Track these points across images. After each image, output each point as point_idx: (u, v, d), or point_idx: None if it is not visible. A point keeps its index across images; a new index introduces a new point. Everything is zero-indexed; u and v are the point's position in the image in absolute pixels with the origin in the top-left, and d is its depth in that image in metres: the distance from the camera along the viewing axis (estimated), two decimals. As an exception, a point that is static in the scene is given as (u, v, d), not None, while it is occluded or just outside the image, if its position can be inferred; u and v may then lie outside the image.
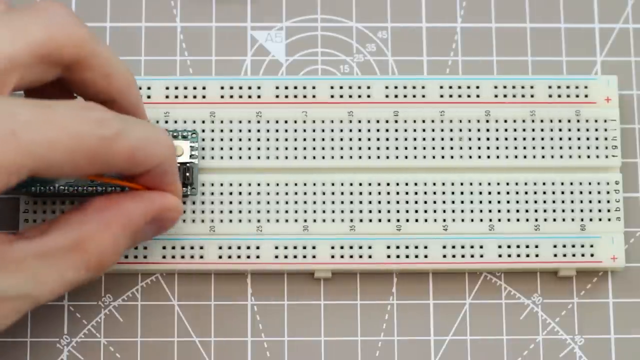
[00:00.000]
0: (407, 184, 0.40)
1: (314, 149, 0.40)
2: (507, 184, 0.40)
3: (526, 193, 0.40)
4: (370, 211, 0.40)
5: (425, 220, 0.40)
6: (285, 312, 0.40)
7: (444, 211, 0.40)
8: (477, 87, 0.41)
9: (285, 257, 0.39)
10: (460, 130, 0.40)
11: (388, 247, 0.40)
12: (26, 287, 0.32)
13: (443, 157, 0.40)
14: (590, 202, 0.40)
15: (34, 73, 0.33)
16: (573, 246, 0.40)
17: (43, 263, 0.32)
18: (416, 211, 0.40)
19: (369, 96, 0.41)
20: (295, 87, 0.40)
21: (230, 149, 0.40)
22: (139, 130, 0.33)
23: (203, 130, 0.40)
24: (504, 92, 0.41)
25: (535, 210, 0.40)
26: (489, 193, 0.40)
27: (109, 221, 0.34)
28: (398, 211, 0.40)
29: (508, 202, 0.40)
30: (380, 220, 0.40)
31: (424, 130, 0.40)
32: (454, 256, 0.40)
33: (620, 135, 0.41)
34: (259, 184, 0.40)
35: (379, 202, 0.40)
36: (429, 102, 0.41)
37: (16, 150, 0.30)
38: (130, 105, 0.35)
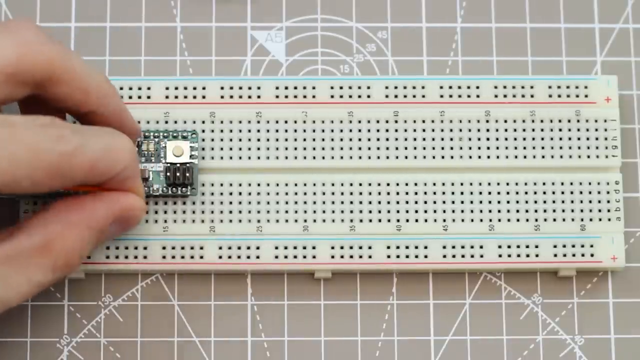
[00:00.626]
0: (407, 184, 0.40)
1: (314, 149, 0.40)
2: (507, 184, 0.40)
3: (526, 193, 0.40)
4: (370, 211, 0.40)
5: (425, 220, 0.40)
6: (285, 312, 0.40)
7: (444, 211, 0.40)
8: (477, 87, 0.41)
9: (285, 257, 0.39)
10: (460, 130, 0.40)
11: (388, 247, 0.40)
12: None
13: (443, 157, 0.40)
14: (590, 202, 0.40)
15: (3, 91, 0.33)
16: (573, 246, 0.40)
17: (10, 267, 0.32)
18: (416, 211, 0.40)
19: (369, 96, 0.41)
20: (295, 87, 0.40)
21: (230, 149, 0.40)
22: (98, 142, 0.33)
23: (203, 130, 0.40)
24: (504, 92, 0.41)
25: (535, 210, 0.40)
26: (489, 193, 0.40)
27: (73, 221, 0.34)
28: (398, 211, 0.40)
29: (508, 202, 0.40)
30: (380, 220, 0.40)
31: (424, 130, 0.40)
32: (454, 256, 0.40)
33: (620, 135, 0.41)
34: (259, 184, 0.40)
35: (379, 202, 0.40)
36: (429, 102, 0.41)
37: None
38: (112, 114, 0.36)
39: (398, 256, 0.40)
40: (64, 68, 0.34)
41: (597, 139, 0.40)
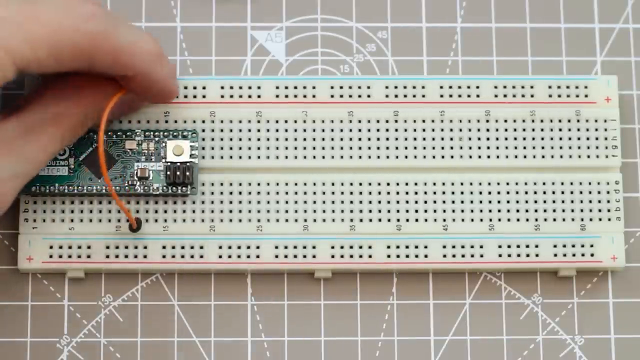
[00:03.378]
0: (407, 184, 0.40)
1: (314, 149, 0.40)
2: (507, 184, 0.40)
3: (526, 193, 0.40)
4: (370, 211, 0.40)
5: (425, 220, 0.40)
6: (285, 312, 0.40)
7: (444, 211, 0.40)
8: (477, 87, 0.41)
9: (285, 256, 0.39)
10: (460, 130, 0.40)
11: (388, 247, 0.40)
12: (18, 166, 0.34)
13: (443, 157, 0.40)
14: (590, 202, 0.40)
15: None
16: (573, 246, 0.40)
17: (28, 140, 0.34)
18: (416, 211, 0.40)
19: (369, 96, 0.41)
20: (295, 87, 0.40)
21: (231, 148, 0.40)
22: (127, 33, 0.35)
23: (203, 130, 0.40)
24: (504, 92, 0.41)
25: (535, 210, 0.40)
26: (489, 193, 0.40)
27: (82, 100, 0.36)
28: (398, 211, 0.40)
29: (508, 202, 0.40)
30: (380, 220, 0.40)
31: (424, 130, 0.40)
32: (454, 256, 0.40)
33: (620, 135, 0.41)
34: (259, 184, 0.40)
35: (379, 202, 0.40)
36: (429, 102, 0.41)
37: None
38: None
39: (398, 256, 0.40)
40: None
41: (597, 139, 0.40)
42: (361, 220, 0.40)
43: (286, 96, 0.40)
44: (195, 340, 0.40)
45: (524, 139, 0.40)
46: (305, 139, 0.40)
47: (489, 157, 0.40)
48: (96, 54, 0.34)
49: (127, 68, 0.35)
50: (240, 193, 0.40)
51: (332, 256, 0.39)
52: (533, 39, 0.42)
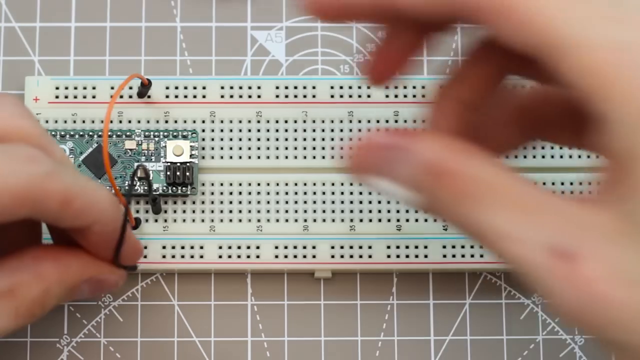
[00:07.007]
0: (407, 184, 0.40)
1: (314, 149, 0.40)
2: (507, 183, 0.40)
3: (526, 193, 0.40)
4: (370, 211, 0.40)
5: (425, 220, 0.40)
6: (285, 312, 0.40)
7: (444, 211, 0.40)
8: (477, 87, 0.41)
9: (285, 256, 0.39)
10: (460, 130, 0.40)
11: (388, 247, 0.40)
12: None
13: (443, 157, 0.40)
14: (590, 202, 0.40)
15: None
16: (573, 246, 0.40)
17: None
18: (416, 211, 0.40)
19: (369, 96, 0.41)
20: (295, 87, 0.40)
21: (230, 148, 0.40)
22: (75, 176, 0.31)
23: (203, 130, 0.40)
24: (504, 92, 0.41)
25: (535, 210, 0.40)
26: (489, 193, 0.40)
27: (43, 272, 0.32)
28: (398, 211, 0.40)
29: (508, 202, 0.40)
30: (380, 220, 0.40)
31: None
32: (454, 256, 0.40)
33: (620, 135, 0.41)
34: (259, 184, 0.40)
35: (379, 202, 0.40)
36: (429, 102, 0.40)
37: None
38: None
39: (398, 256, 0.40)
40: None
41: (597, 139, 0.40)
42: (361, 220, 0.40)
43: (286, 96, 0.40)
44: (195, 340, 0.40)
45: (524, 139, 0.40)
46: (305, 139, 0.40)
47: (489, 157, 0.40)
48: (44, 197, 0.30)
49: (82, 214, 0.31)
50: (240, 193, 0.40)
51: (332, 256, 0.39)
52: (533, 39, 0.42)
